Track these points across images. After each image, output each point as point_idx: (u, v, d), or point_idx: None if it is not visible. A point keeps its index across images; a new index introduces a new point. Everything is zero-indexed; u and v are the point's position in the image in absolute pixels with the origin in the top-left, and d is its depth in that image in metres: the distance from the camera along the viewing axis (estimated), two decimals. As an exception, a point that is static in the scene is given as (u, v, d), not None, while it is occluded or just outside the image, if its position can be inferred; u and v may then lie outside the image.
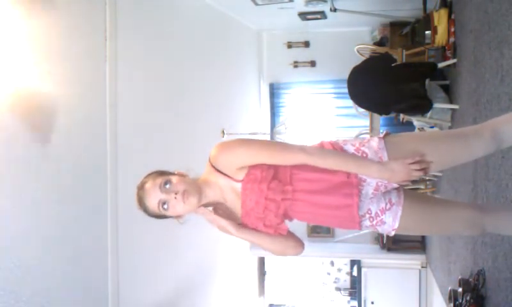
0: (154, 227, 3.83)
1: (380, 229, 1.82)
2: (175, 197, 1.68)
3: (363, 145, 1.75)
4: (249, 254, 6.65)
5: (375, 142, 1.74)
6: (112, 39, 3.14)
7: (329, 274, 7.54)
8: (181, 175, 1.74)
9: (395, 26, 5.89)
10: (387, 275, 6.49)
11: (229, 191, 1.74)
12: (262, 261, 7.20)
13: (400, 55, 4.92)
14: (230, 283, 5.80)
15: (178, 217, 1.80)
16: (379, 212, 1.78)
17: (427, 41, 4.35)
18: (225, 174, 1.71)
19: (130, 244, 3.37)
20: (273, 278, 7.47)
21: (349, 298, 7.31)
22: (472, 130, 1.78)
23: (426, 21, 4.34)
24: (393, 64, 4.12)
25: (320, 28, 6.70)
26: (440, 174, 4.72)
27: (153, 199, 1.72)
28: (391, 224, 1.78)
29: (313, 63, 7.01)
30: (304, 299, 7.59)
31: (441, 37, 4.21)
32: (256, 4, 5.45)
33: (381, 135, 1.77)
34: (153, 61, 3.87)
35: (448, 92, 4.30)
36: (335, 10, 5.46)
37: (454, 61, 4.02)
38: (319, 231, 7.12)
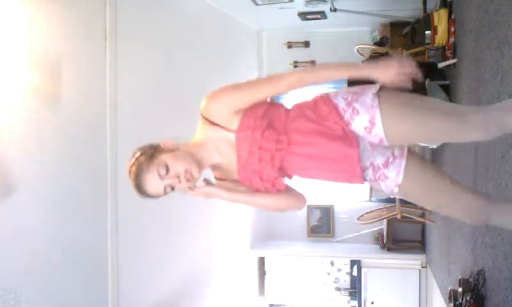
0: (154, 227, 3.85)
1: (383, 185, 1.74)
2: (179, 180, 1.61)
3: (356, 100, 1.67)
4: (249, 254, 6.65)
5: (369, 98, 1.65)
6: (112, 39, 3.14)
7: (329, 274, 7.54)
8: (170, 151, 1.64)
9: (395, 26, 5.89)
10: (387, 275, 6.49)
11: (224, 144, 1.68)
12: (262, 261, 7.20)
13: (400, 56, 4.92)
14: (230, 283, 5.80)
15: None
16: (381, 165, 1.71)
17: (427, 41, 4.35)
18: (219, 125, 1.66)
19: (130, 244, 3.37)
20: (273, 278, 7.46)
21: (349, 298, 7.31)
22: (473, 120, 1.65)
23: (426, 21, 4.34)
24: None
25: (320, 28, 6.70)
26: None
27: (158, 187, 1.62)
28: (394, 179, 1.71)
29: (313, 63, 7.01)
30: (304, 299, 7.58)
31: (441, 37, 4.21)
32: (256, 4, 5.44)
33: (376, 89, 1.67)
34: (153, 61, 3.87)
35: (448, 92, 4.30)
36: (335, 10, 5.45)
37: (454, 61, 4.02)
38: (319, 231, 7.12)
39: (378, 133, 1.66)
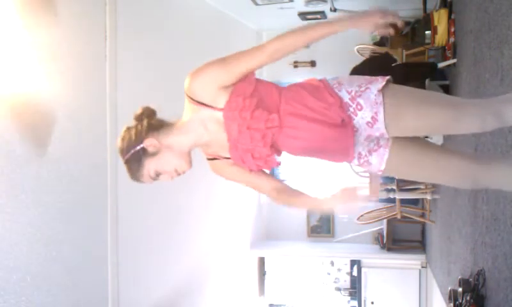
0: (154, 227, 3.85)
1: (367, 169, 1.81)
2: (170, 177, 1.69)
3: (360, 96, 1.64)
4: (249, 254, 6.65)
5: (373, 94, 1.63)
6: (112, 39, 3.14)
7: (329, 274, 7.54)
8: (154, 155, 1.65)
9: (395, 26, 5.88)
10: (387, 275, 6.49)
11: (212, 122, 1.64)
12: (262, 261, 7.20)
13: (400, 55, 4.92)
14: (230, 283, 5.80)
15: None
16: (367, 153, 1.75)
17: (427, 41, 4.35)
18: (205, 104, 1.61)
19: (130, 244, 3.37)
20: (273, 278, 7.46)
21: (349, 298, 7.31)
22: (471, 111, 1.67)
23: (426, 21, 4.34)
24: (393, 64, 4.12)
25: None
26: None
27: (152, 181, 1.71)
28: (377, 165, 1.76)
29: (313, 63, 7.01)
30: (304, 299, 7.58)
31: (441, 37, 4.21)
32: (256, 4, 5.45)
33: (381, 85, 1.64)
34: (153, 61, 3.87)
35: (448, 92, 4.30)
36: (335, 10, 5.46)
37: (454, 61, 4.02)
38: (319, 231, 7.12)
39: (380, 128, 1.67)
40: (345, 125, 1.65)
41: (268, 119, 1.60)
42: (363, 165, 1.79)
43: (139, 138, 1.66)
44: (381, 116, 1.63)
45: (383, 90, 1.64)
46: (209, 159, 1.79)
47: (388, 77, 1.67)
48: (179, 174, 1.67)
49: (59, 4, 2.67)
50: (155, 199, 3.87)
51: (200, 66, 1.62)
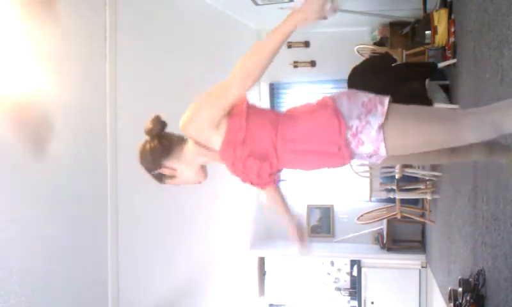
0: (154, 227, 3.85)
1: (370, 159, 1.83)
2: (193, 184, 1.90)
3: (361, 132, 1.67)
4: (249, 254, 6.65)
5: (374, 130, 1.65)
6: (112, 39, 3.14)
7: (329, 274, 7.54)
8: (171, 177, 1.85)
9: (395, 26, 5.88)
10: (387, 275, 6.49)
11: (212, 155, 1.79)
12: (262, 261, 7.20)
13: (400, 55, 4.91)
14: (230, 283, 5.80)
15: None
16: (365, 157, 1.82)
17: (427, 41, 4.35)
18: (203, 146, 1.74)
19: (130, 244, 3.37)
20: (273, 278, 7.46)
21: (349, 298, 7.31)
22: (468, 123, 1.69)
23: (426, 21, 4.34)
24: (393, 64, 4.12)
25: (320, 28, 6.69)
26: (439, 174, 4.72)
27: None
28: (375, 161, 1.81)
29: (313, 63, 7.01)
30: (304, 299, 7.58)
31: (441, 37, 4.21)
32: (256, 4, 5.45)
33: (382, 119, 1.66)
34: (153, 61, 3.87)
35: (448, 92, 4.30)
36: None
37: (454, 61, 4.02)
38: (319, 231, 7.12)
39: (381, 157, 1.75)
40: (342, 154, 1.71)
41: (260, 167, 1.68)
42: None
43: (157, 164, 1.82)
44: (382, 150, 1.69)
45: (383, 126, 1.66)
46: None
47: (387, 102, 1.70)
48: (199, 183, 1.88)
49: (59, 5, 2.67)
50: (155, 199, 3.87)
51: (187, 115, 1.70)
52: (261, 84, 7.07)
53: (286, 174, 7.19)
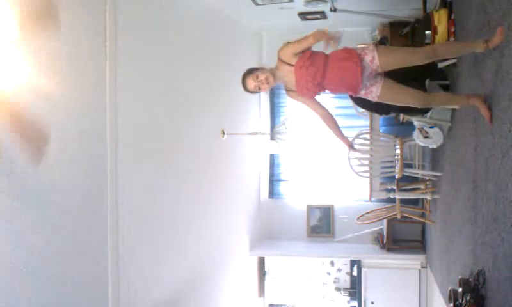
0: (154, 227, 3.85)
1: (370, 97, 3.17)
2: (263, 83, 3.14)
3: (366, 53, 3.11)
4: (249, 254, 6.65)
5: (371, 47, 3.13)
6: (112, 39, 3.15)
7: (329, 274, 7.54)
8: (261, 69, 3.16)
9: (395, 26, 5.88)
10: (387, 275, 6.49)
11: (289, 71, 3.10)
12: (262, 261, 7.20)
13: (400, 55, 4.89)
14: (230, 283, 5.80)
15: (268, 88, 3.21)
16: (369, 85, 3.14)
17: (427, 41, 4.35)
18: (286, 62, 3.10)
19: (130, 244, 3.37)
20: (273, 278, 7.46)
21: (349, 298, 7.30)
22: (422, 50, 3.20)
23: (426, 21, 4.34)
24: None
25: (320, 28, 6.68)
26: (439, 174, 4.72)
27: (251, 84, 3.17)
28: (375, 93, 3.15)
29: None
30: (304, 298, 7.58)
31: (441, 37, 4.21)
32: (256, 4, 5.44)
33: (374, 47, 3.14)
34: (153, 61, 3.87)
35: (448, 92, 4.29)
36: (335, 10, 5.45)
37: (454, 61, 4.02)
38: (319, 231, 7.12)
39: (375, 62, 3.07)
40: (358, 65, 3.06)
41: (315, 73, 3.06)
42: (367, 93, 3.16)
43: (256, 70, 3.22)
44: (376, 57, 3.07)
45: (376, 46, 3.12)
46: (287, 91, 3.23)
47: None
48: (267, 83, 3.15)
49: (60, 5, 2.67)
50: (155, 199, 3.87)
51: (286, 44, 3.10)
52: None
53: (287, 175, 7.19)
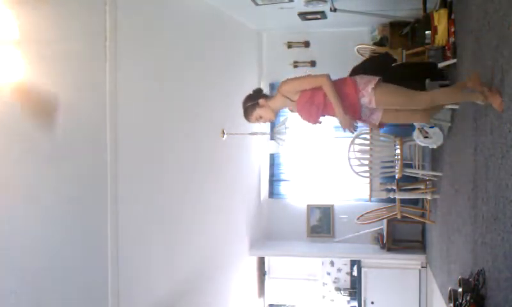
0: (154, 227, 3.85)
1: (370, 122, 3.29)
2: (265, 121, 3.37)
3: (363, 94, 3.11)
4: (249, 254, 6.65)
5: (370, 89, 3.09)
6: (112, 39, 3.15)
7: (329, 274, 7.54)
8: (262, 106, 3.25)
9: (395, 26, 5.88)
10: (387, 275, 6.49)
11: (290, 103, 3.21)
12: (261, 261, 7.20)
13: (400, 55, 4.92)
14: (229, 283, 5.80)
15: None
16: (369, 115, 3.23)
17: (427, 41, 4.35)
18: (289, 99, 3.17)
19: (130, 244, 3.37)
20: (273, 278, 7.46)
21: (349, 298, 7.30)
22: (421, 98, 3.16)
23: (426, 21, 4.34)
24: (393, 64, 4.12)
25: (320, 28, 6.70)
26: (439, 174, 4.72)
27: (253, 120, 3.32)
28: (376, 119, 3.23)
29: (313, 63, 7.02)
30: (304, 298, 7.58)
31: (441, 37, 4.21)
32: (256, 4, 5.45)
33: (374, 84, 3.08)
34: (153, 61, 3.87)
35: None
36: (335, 10, 5.45)
37: (454, 61, 4.02)
38: (319, 231, 7.12)
39: (372, 104, 3.11)
40: (355, 104, 3.14)
41: (316, 111, 3.16)
42: (368, 120, 3.27)
43: (256, 98, 3.28)
44: (373, 101, 3.10)
45: (375, 87, 3.08)
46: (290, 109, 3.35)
47: (378, 79, 3.10)
48: (269, 121, 3.40)
49: (60, 5, 2.67)
50: (155, 199, 3.87)
51: (287, 81, 3.17)
52: (261, 84, 7.07)
53: (287, 175, 7.20)
